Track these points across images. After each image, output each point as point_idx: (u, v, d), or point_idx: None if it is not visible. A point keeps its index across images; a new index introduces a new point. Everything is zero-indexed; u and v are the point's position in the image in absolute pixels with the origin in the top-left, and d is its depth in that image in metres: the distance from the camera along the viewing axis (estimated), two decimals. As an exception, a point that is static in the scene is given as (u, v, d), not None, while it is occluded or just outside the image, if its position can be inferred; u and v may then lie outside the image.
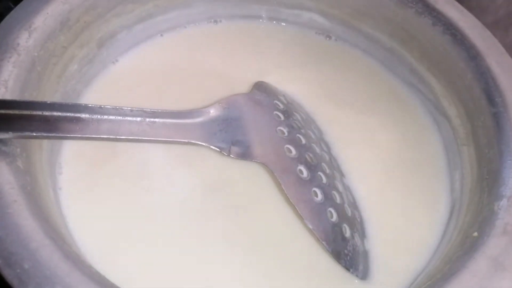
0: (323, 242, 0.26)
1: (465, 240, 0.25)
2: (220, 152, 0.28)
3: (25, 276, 0.19)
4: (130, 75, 0.34)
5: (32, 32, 0.27)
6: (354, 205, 0.29)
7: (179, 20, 0.36)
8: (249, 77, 0.34)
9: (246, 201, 0.28)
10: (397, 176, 0.31)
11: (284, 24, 0.38)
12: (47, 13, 0.28)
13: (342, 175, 0.31)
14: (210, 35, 0.37)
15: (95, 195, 0.28)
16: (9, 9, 0.28)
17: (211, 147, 0.27)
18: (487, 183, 0.27)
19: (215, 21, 0.37)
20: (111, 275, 0.25)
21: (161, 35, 0.36)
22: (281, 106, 0.31)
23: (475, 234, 0.24)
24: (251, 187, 0.29)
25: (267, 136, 0.28)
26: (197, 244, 0.27)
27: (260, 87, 0.32)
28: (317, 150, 0.30)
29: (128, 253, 0.26)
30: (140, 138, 0.26)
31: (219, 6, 0.37)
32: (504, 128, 0.27)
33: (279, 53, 0.36)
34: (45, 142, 0.27)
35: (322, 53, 0.37)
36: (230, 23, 0.38)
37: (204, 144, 0.27)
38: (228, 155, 0.27)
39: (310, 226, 0.26)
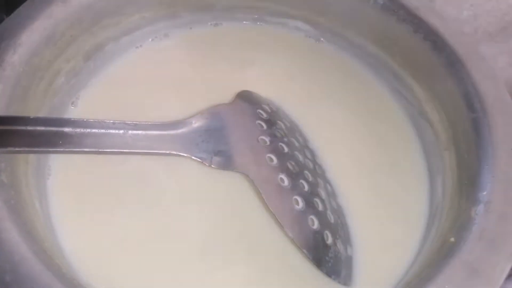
0: (304, 250, 0.26)
1: (442, 245, 0.25)
2: (202, 163, 0.28)
3: (7, 289, 0.20)
4: (119, 86, 0.35)
5: (17, 48, 0.28)
6: (338, 212, 0.30)
7: (166, 31, 0.37)
8: (237, 84, 0.34)
9: (229, 210, 0.28)
10: (380, 181, 0.31)
11: (273, 27, 0.39)
12: (32, 28, 0.29)
13: (326, 182, 0.31)
14: (197, 44, 0.37)
15: (84, 204, 0.29)
16: (2, 21, 0.29)
17: (193, 157, 0.28)
18: (466, 189, 0.27)
19: (209, 26, 0.38)
20: (98, 285, 0.25)
21: (149, 46, 0.37)
22: (264, 115, 0.31)
23: (452, 239, 0.24)
24: (234, 197, 0.29)
25: (249, 145, 0.29)
26: (183, 256, 0.27)
27: (243, 96, 0.32)
28: (300, 158, 0.30)
29: (117, 262, 0.27)
30: (123, 150, 0.26)
31: (205, 15, 0.38)
32: (483, 134, 0.27)
33: (267, 57, 0.37)
34: (31, 155, 0.28)
35: (311, 57, 0.37)
36: (218, 29, 0.38)
37: (185, 155, 0.28)
38: (210, 166, 0.28)
39: (290, 235, 0.26)
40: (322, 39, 0.38)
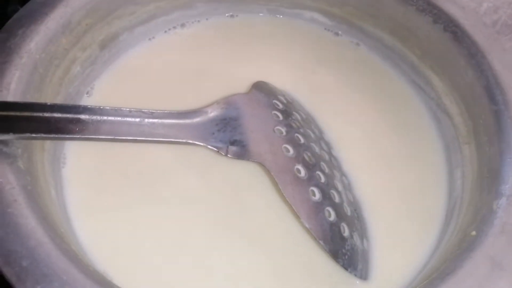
0: (320, 241, 0.26)
1: (463, 239, 0.24)
2: (218, 152, 0.28)
3: (23, 273, 0.20)
4: (133, 76, 0.34)
5: (34, 36, 0.28)
6: (354, 204, 0.29)
7: (181, 21, 0.37)
8: (252, 75, 0.34)
9: (245, 201, 0.28)
10: (398, 174, 0.31)
11: (292, 19, 0.38)
12: (49, 17, 0.29)
13: (342, 174, 0.31)
14: (213, 34, 0.37)
15: (98, 193, 0.29)
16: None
17: (209, 146, 0.28)
18: (487, 182, 0.26)
19: (225, 17, 0.37)
20: (113, 273, 0.25)
21: (163, 35, 0.36)
22: (280, 105, 0.31)
23: (473, 233, 0.24)
24: (251, 187, 0.29)
25: (265, 135, 0.28)
26: (198, 244, 0.27)
27: (259, 86, 0.32)
28: (317, 149, 0.30)
29: (130, 250, 0.27)
30: (138, 138, 0.26)
31: (219, 6, 0.37)
32: (505, 126, 0.27)
33: (283, 49, 0.36)
34: (47, 142, 0.28)
35: (328, 49, 0.37)
36: (236, 20, 0.38)
37: (201, 144, 0.27)
38: (226, 155, 0.28)
39: (307, 226, 0.26)
40: (339, 31, 0.37)
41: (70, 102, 0.31)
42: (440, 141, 0.33)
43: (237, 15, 0.38)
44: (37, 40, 0.28)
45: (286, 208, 0.28)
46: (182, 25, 0.37)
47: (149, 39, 0.36)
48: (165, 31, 0.36)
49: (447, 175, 0.31)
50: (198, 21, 0.37)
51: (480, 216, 0.25)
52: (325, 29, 0.38)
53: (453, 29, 0.31)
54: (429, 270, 0.25)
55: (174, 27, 0.36)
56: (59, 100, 0.29)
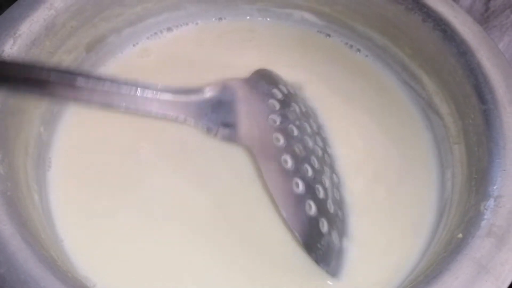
0: (295, 232, 0.25)
1: (450, 241, 0.24)
2: (207, 132, 0.27)
3: (0, 280, 0.20)
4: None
5: (17, 39, 0.27)
6: (340, 204, 0.29)
7: (169, 22, 0.37)
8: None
9: (228, 191, 0.28)
10: (388, 175, 0.31)
11: (282, 21, 0.38)
12: (32, 19, 0.28)
13: (333, 172, 0.30)
14: (201, 37, 0.37)
15: (84, 197, 0.28)
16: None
17: (199, 125, 0.27)
18: (475, 183, 0.26)
19: (213, 20, 0.37)
20: (96, 279, 0.25)
21: (152, 38, 0.36)
22: (279, 95, 0.30)
23: (460, 235, 0.23)
24: (235, 178, 0.29)
25: (257, 122, 0.28)
26: (183, 250, 0.27)
27: (261, 74, 0.31)
28: (310, 143, 0.29)
29: (115, 255, 0.27)
30: (131, 107, 0.25)
31: (208, 7, 0.37)
32: (494, 126, 0.26)
33: (277, 50, 0.36)
34: (31, 147, 0.28)
35: (320, 51, 0.37)
36: (227, 22, 0.38)
37: (192, 120, 0.27)
38: (215, 136, 0.27)
39: (284, 214, 0.25)
40: (330, 32, 0.37)
41: (56, 105, 0.31)
42: (431, 142, 0.32)
43: (225, 18, 0.37)
44: (20, 43, 0.27)
45: (267, 199, 0.28)
46: (169, 29, 0.36)
47: (137, 42, 0.35)
48: (153, 34, 0.36)
49: (438, 176, 0.31)
50: (187, 24, 0.37)
51: (467, 218, 0.24)
52: (317, 31, 0.37)
53: (442, 28, 0.30)
54: (416, 274, 0.25)
55: (161, 31, 0.36)
56: (43, 105, 0.29)
